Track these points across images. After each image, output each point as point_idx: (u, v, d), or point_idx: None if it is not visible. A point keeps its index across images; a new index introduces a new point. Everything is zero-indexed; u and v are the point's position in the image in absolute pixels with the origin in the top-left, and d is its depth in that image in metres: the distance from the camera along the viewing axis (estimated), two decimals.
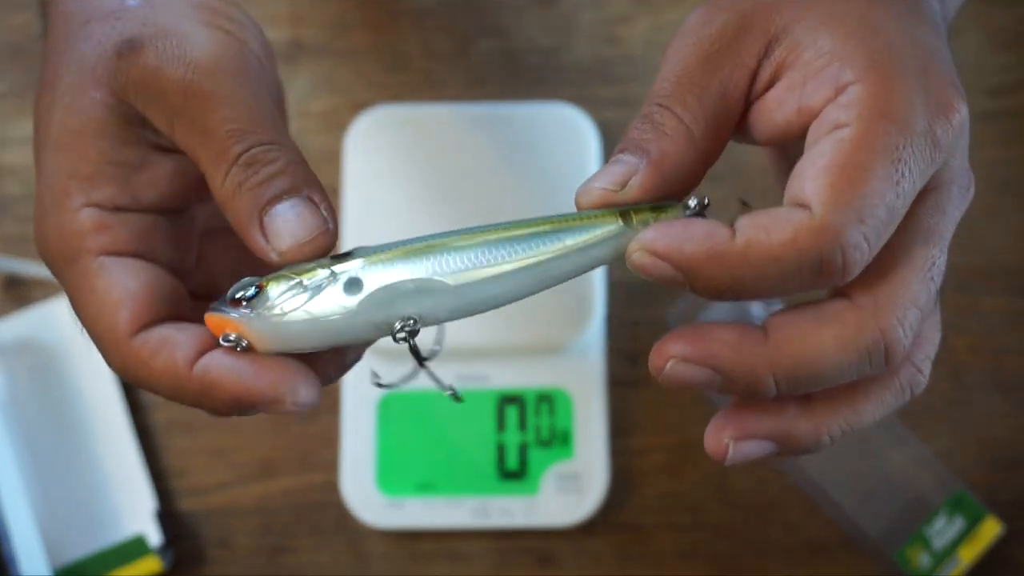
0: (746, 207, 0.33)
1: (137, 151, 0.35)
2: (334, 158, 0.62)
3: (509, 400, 0.59)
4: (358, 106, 0.63)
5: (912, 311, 0.33)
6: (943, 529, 0.57)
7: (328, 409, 0.60)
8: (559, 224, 0.33)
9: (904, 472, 0.59)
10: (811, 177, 0.31)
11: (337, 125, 0.63)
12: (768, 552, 0.59)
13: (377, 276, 0.32)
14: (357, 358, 0.36)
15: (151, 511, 0.58)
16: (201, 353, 0.33)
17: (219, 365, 0.33)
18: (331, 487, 0.59)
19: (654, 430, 0.61)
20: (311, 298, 0.32)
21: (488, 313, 0.34)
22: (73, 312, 0.35)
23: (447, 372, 0.59)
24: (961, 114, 0.33)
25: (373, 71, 0.65)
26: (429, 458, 0.59)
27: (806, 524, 0.59)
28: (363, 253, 0.33)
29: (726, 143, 0.35)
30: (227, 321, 0.32)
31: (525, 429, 0.59)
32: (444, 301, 0.33)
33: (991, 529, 0.57)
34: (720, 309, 0.60)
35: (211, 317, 0.33)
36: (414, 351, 0.33)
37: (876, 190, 0.31)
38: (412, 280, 0.32)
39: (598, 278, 0.59)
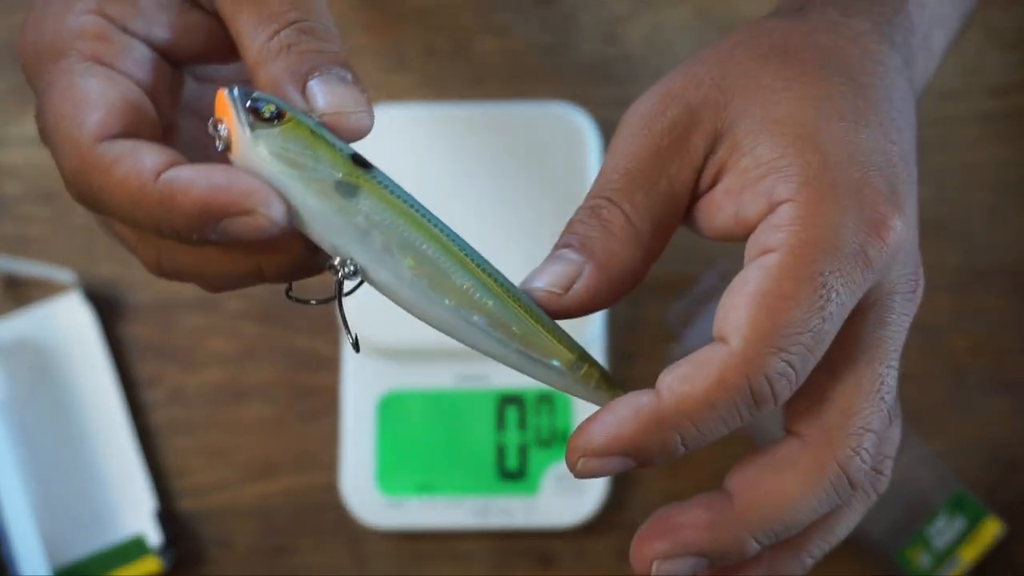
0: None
1: None
2: None
3: (509, 400, 0.59)
4: None
5: (867, 436, 0.33)
6: (943, 529, 0.57)
7: (328, 409, 0.60)
8: (529, 317, 0.33)
9: (904, 472, 0.59)
10: (734, 307, 0.31)
11: None
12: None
13: (376, 209, 0.32)
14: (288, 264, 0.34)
15: (151, 511, 0.58)
16: (171, 164, 0.31)
17: (188, 173, 0.31)
18: (331, 487, 0.59)
19: None
20: (308, 173, 0.31)
21: None
22: (40, 113, 0.33)
23: (447, 372, 0.60)
24: (896, 232, 0.32)
25: (373, 71, 0.65)
26: (429, 458, 0.59)
27: None
28: (383, 179, 0.32)
29: (669, 239, 0.34)
30: (231, 115, 0.31)
31: (525, 429, 0.59)
32: (393, 286, 0.32)
33: (992, 529, 0.57)
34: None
35: (223, 99, 0.31)
36: (338, 284, 0.32)
37: (799, 319, 0.31)
38: (393, 240, 0.31)
39: None
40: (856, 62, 0.35)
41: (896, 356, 0.34)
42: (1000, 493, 0.59)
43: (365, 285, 0.33)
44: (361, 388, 0.59)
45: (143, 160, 0.31)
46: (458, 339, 0.33)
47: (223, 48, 0.34)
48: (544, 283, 0.33)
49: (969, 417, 0.60)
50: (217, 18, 0.34)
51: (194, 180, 0.30)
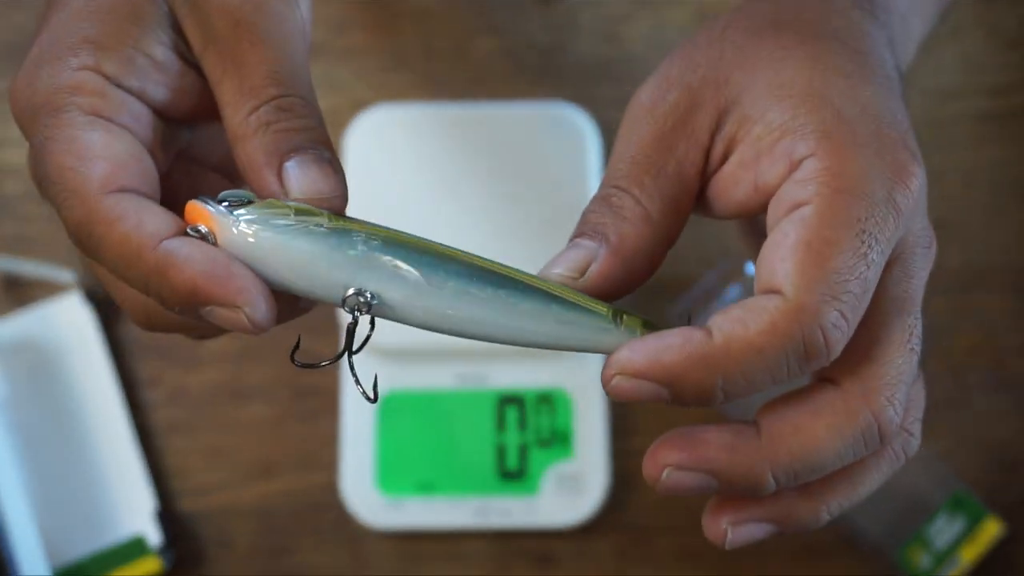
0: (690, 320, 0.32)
1: (164, 51, 0.34)
2: None
3: (509, 400, 0.59)
4: (358, 106, 0.63)
5: (900, 387, 0.33)
6: (943, 529, 0.57)
7: (328, 409, 0.60)
8: (555, 290, 0.33)
9: (904, 472, 0.58)
10: (779, 259, 0.31)
11: (337, 125, 0.63)
12: (768, 552, 0.59)
13: (371, 236, 0.32)
14: (310, 306, 0.35)
15: (151, 511, 0.58)
16: (173, 234, 0.31)
17: (188, 250, 0.31)
18: (331, 487, 0.59)
19: (654, 430, 0.60)
20: (295, 228, 0.31)
21: None
22: (39, 162, 0.33)
23: (447, 372, 0.60)
24: (918, 178, 0.32)
25: (373, 71, 0.65)
26: (429, 458, 0.59)
27: None
28: (364, 221, 0.33)
29: (685, 221, 0.34)
30: (205, 214, 0.31)
31: (525, 429, 0.59)
32: (410, 298, 0.32)
33: (991, 529, 0.57)
34: (721, 307, 0.60)
35: (193, 206, 0.32)
36: (350, 332, 0.32)
37: (846, 265, 0.30)
38: (394, 261, 0.32)
39: None
40: (845, 32, 0.35)
41: (919, 308, 0.33)
42: (1000, 493, 0.59)
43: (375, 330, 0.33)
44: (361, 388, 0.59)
45: (146, 222, 0.31)
46: (491, 333, 0.33)
47: (215, 110, 0.34)
48: (560, 269, 0.33)
49: (969, 417, 0.60)
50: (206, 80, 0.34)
51: (192, 259, 0.31)
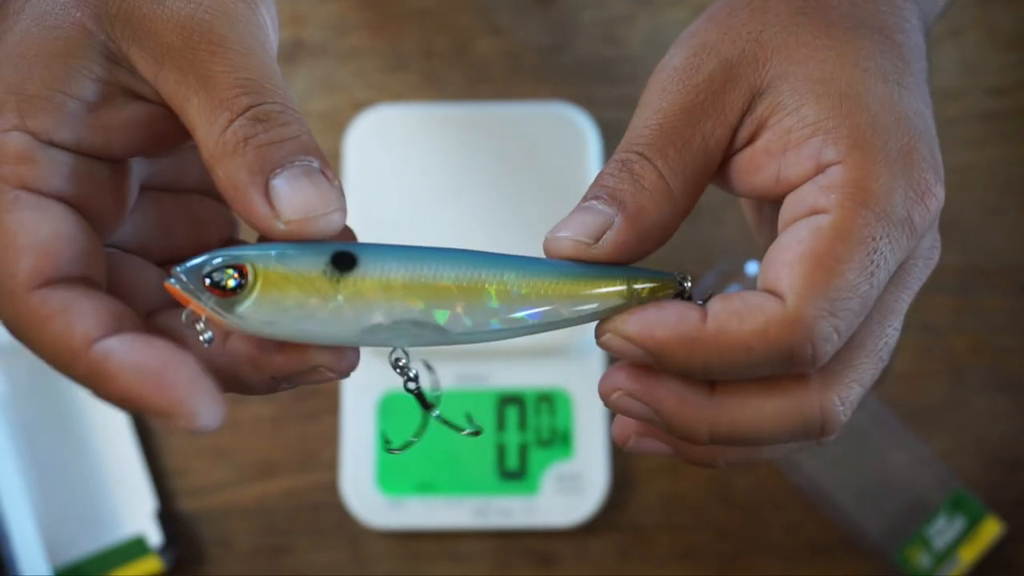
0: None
1: (99, 89, 0.31)
2: (334, 158, 0.62)
3: (509, 400, 0.59)
4: (358, 106, 0.63)
5: (856, 391, 0.33)
6: (943, 529, 0.57)
7: (328, 409, 0.60)
8: (573, 290, 0.32)
9: (904, 472, 0.59)
10: (787, 264, 0.31)
11: (337, 125, 0.63)
12: (768, 552, 0.59)
13: (383, 304, 0.30)
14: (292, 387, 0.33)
15: (151, 511, 0.58)
16: (105, 332, 0.29)
17: (121, 357, 0.28)
18: (331, 487, 0.59)
19: None
20: (303, 311, 0.29)
21: None
22: None
23: (447, 372, 0.59)
24: (938, 199, 0.32)
25: (373, 71, 0.65)
26: (429, 458, 0.59)
27: (806, 524, 0.59)
28: (368, 257, 0.30)
29: (700, 196, 0.34)
30: (195, 306, 0.29)
31: (525, 429, 0.59)
32: (438, 339, 0.31)
33: (991, 529, 0.57)
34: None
35: (177, 293, 0.29)
36: (420, 398, 0.32)
37: (851, 283, 0.30)
38: (415, 319, 0.30)
39: None
40: (888, 18, 0.34)
41: (902, 318, 0.33)
42: (1000, 493, 0.59)
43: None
44: (361, 388, 0.59)
45: (76, 323, 0.29)
46: (514, 334, 0.32)
47: (166, 137, 0.32)
48: (572, 232, 0.32)
49: (969, 417, 0.60)
50: (160, 107, 0.32)
51: (123, 366, 0.28)
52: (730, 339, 0.30)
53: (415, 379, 0.32)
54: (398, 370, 0.31)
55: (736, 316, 0.30)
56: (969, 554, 0.57)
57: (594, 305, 0.32)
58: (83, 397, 0.60)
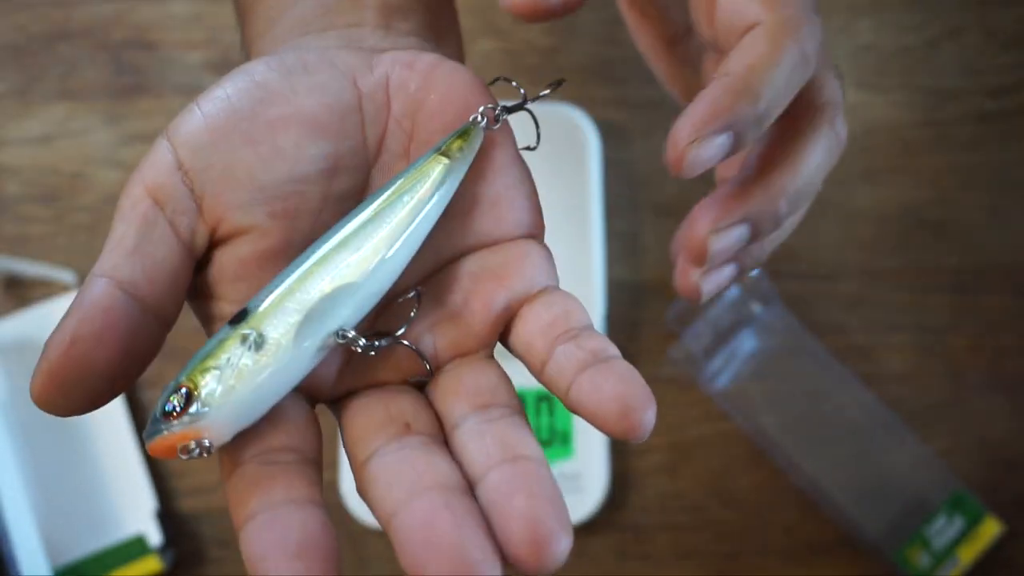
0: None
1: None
2: None
3: None
4: None
5: (838, 108, 0.37)
6: (943, 529, 0.57)
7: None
8: (398, 188, 0.34)
9: (904, 472, 0.59)
10: (744, 3, 0.35)
11: None
12: (768, 552, 0.59)
13: (282, 317, 0.31)
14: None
15: (151, 511, 0.58)
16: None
17: None
18: (331, 487, 0.59)
19: (654, 430, 0.60)
20: (241, 365, 0.31)
21: None
22: None
23: None
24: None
25: None
26: None
27: (806, 524, 0.59)
28: (255, 304, 0.32)
29: None
30: (176, 438, 0.30)
31: None
32: (356, 298, 0.32)
33: (991, 529, 0.58)
34: (721, 307, 0.60)
35: (156, 444, 0.30)
36: (371, 347, 0.32)
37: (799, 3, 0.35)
38: (321, 296, 0.31)
39: (598, 278, 0.59)
40: None
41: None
42: (1000, 493, 0.59)
43: None
44: None
45: None
46: (414, 250, 0.34)
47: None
48: None
49: (969, 417, 0.60)
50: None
51: None
52: (760, 64, 0.34)
53: (370, 347, 0.32)
54: (346, 345, 0.32)
55: (745, 52, 0.34)
56: (969, 554, 0.57)
57: (425, 185, 0.34)
58: None
